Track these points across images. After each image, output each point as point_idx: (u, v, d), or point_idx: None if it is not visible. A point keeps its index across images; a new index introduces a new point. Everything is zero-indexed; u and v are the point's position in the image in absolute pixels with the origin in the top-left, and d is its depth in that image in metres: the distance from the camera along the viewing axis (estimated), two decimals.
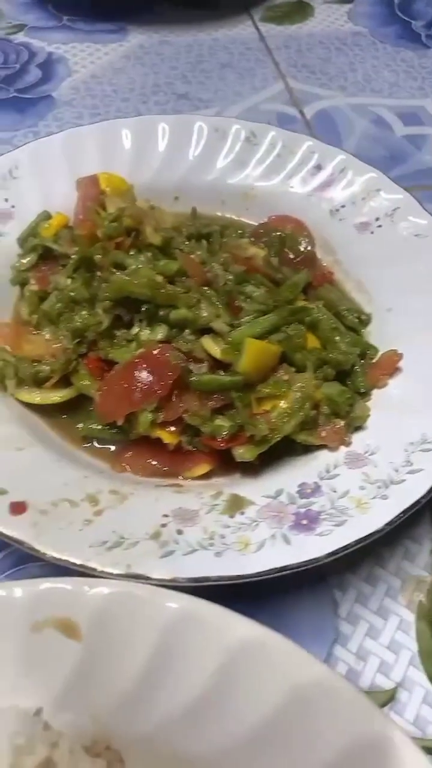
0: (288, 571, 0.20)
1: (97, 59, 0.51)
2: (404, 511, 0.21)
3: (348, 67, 0.51)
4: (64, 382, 0.28)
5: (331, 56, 0.53)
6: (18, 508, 0.21)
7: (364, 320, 0.30)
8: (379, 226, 0.32)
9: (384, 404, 0.26)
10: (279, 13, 0.57)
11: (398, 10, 0.58)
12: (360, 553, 0.26)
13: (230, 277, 0.30)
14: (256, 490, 0.24)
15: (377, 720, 0.17)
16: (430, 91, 0.50)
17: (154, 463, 0.26)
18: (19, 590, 0.21)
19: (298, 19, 0.57)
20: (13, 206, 0.32)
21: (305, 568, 0.20)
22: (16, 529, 0.20)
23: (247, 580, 0.20)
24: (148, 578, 0.20)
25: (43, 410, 0.27)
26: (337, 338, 0.28)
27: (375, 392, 0.27)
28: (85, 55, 0.52)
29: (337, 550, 0.20)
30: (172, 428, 0.26)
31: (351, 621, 0.25)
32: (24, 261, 0.31)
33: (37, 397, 0.27)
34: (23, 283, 0.31)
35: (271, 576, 0.21)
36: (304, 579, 0.25)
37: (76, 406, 0.27)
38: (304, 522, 0.22)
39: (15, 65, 0.50)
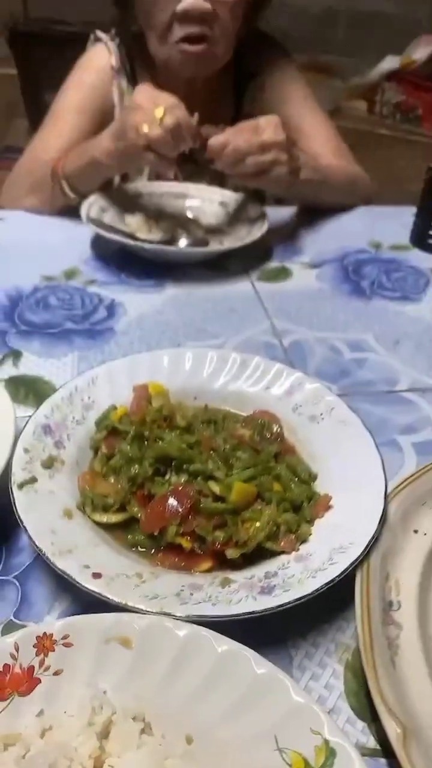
0: (254, 615, 0.34)
1: (145, 304, 0.69)
2: (324, 585, 0.35)
3: (314, 312, 0.70)
4: (121, 509, 0.42)
5: (303, 304, 0.71)
6: (96, 575, 0.35)
7: (312, 476, 0.45)
8: (323, 417, 0.49)
9: (320, 527, 0.40)
10: (269, 275, 0.78)
11: (351, 273, 0.79)
12: (308, 627, 0.37)
13: (228, 446, 0.46)
14: (239, 575, 0.38)
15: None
16: (370, 328, 0.67)
17: (176, 560, 0.39)
18: (98, 619, 0.34)
19: (282, 279, 0.77)
20: (93, 401, 0.48)
21: (264, 614, 0.34)
22: (96, 586, 0.34)
23: (230, 618, 0.33)
24: (172, 615, 0.34)
25: (107, 526, 0.40)
26: (293, 486, 0.43)
27: (316, 520, 0.42)
28: (136, 302, 0.70)
29: (283, 604, 0.34)
30: (188, 537, 0.39)
31: (300, 670, 0.36)
32: (98, 435, 0.46)
33: (104, 518, 0.40)
34: (97, 449, 0.46)
35: (244, 617, 0.34)
36: (269, 642, 0.36)
37: (128, 524, 0.41)
38: (266, 590, 0.35)
39: (89, 307, 0.68)
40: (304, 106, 1.02)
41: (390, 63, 2.62)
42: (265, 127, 0.72)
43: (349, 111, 2.56)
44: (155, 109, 0.69)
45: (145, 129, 0.69)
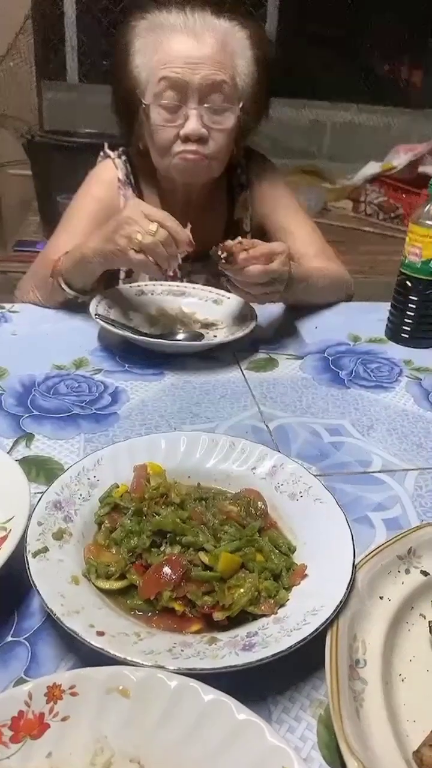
0: (236, 668, 0.38)
1: (145, 391, 0.77)
2: (297, 642, 0.40)
3: (297, 399, 0.77)
4: (122, 576, 0.47)
5: (287, 391, 0.79)
6: (100, 633, 0.41)
7: (291, 548, 0.51)
8: (301, 495, 0.55)
9: (297, 593, 0.46)
10: (257, 365, 0.85)
11: (331, 364, 0.87)
12: (286, 685, 0.41)
13: (217, 521, 0.52)
14: (224, 635, 0.43)
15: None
16: (347, 414, 0.74)
17: (169, 622, 0.44)
18: (101, 671, 0.39)
19: (269, 368, 0.85)
20: (98, 480, 0.53)
21: (245, 668, 0.39)
22: (100, 643, 0.39)
23: (216, 671, 0.38)
24: (165, 668, 0.39)
25: (109, 592, 0.45)
26: (274, 557, 0.49)
27: (293, 587, 0.47)
28: (138, 389, 0.77)
29: (261, 659, 0.39)
30: (180, 602, 0.44)
31: (278, 722, 0.40)
32: (102, 511, 0.51)
33: (106, 584, 0.45)
34: (101, 523, 0.51)
35: (227, 670, 0.39)
36: (251, 698, 0.40)
37: (128, 590, 0.45)
38: (247, 647, 0.40)
39: (95, 394, 0.75)
40: (290, 213, 1.15)
41: (372, 168, 2.88)
42: (278, 257, 0.83)
43: (336, 210, 2.78)
44: (149, 225, 0.80)
45: (139, 238, 0.79)
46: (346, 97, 3.17)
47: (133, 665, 0.38)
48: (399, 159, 2.76)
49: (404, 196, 2.68)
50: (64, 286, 0.94)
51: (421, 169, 2.73)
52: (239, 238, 0.83)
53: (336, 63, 3.29)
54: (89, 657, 0.39)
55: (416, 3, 3.15)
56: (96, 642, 0.39)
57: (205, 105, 0.93)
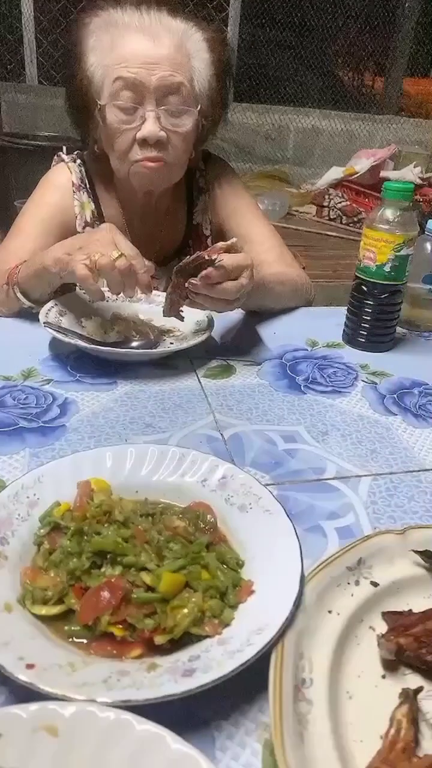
0: (174, 697, 0.37)
1: (97, 402, 0.74)
2: (239, 666, 0.38)
3: (253, 406, 0.76)
4: (60, 601, 0.45)
5: (244, 398, 0.77)
6: (30, 666, 0.38)
7: (240, 563, 0.49)
8: (251, 507, 0.53)
9: (243, 611, 0.44)
10: (214, 372, 0.84)
11: (288, 369, 0.86)
12: (231, 708, 0.39)
13: (162, 538, 0.50)
14: (166, 659, 0.41)
15: None
16: (302, 420, 0.73)
17: (109, 648, 0.42)
18: (27, 708, 0.36)
19: (226, 376, 0.83)
20: (38, 498, 0.51)
21: (184, 696, 0.37)
22: (28, 677, 0.37)
23: (152, 702, 0.36)
24: (96, 701, 0.36)
25: (47, 618, 0.43)
26: (220, 573, 0.47)
27: (240, 605, 0.46)
28: (89, 399, 0.74)
29: (200, 685, 0.37)
30: (120, 626, 0.42)
31: (222, 750, 0.38)
32: (42, 531, 0.49)
33: (42, 610, 0.43)
34: (40, 544, 0.48)
35: (165, 700, 0.37)
36: (194, 724, 0.38)
37: (66, 615, 0.43)
38: (188, 673, 0.38)
39: (43, 405, 0.72)
40: (249, 217, 1.14)
41: (335, 173, 2.91)
42: (246, 271, 0.80)
43: (300, 215, 2.80)
44: (114, 252, 0.78)
45: (96, 257, 0.77)
46: (309, 103, 3.20)
47: (65, 700, 0.36)
48: (361, 164, 2.80)
49: (366, 200, 2.71)
50: (19, 295, 0.91)
51: (383, 173, 2.77)
52: (233, 239, 0.81)
53: (299, 68, 3.32)
54: (23, 690, 0.37)
55: (379, 10, 3.19)
56: (24, 676, 0.37)
57: (163, 107, 0.91)
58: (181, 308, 0.83)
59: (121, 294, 0.82)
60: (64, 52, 1.02)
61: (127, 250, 0.80)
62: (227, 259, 0.78)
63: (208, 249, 0.80)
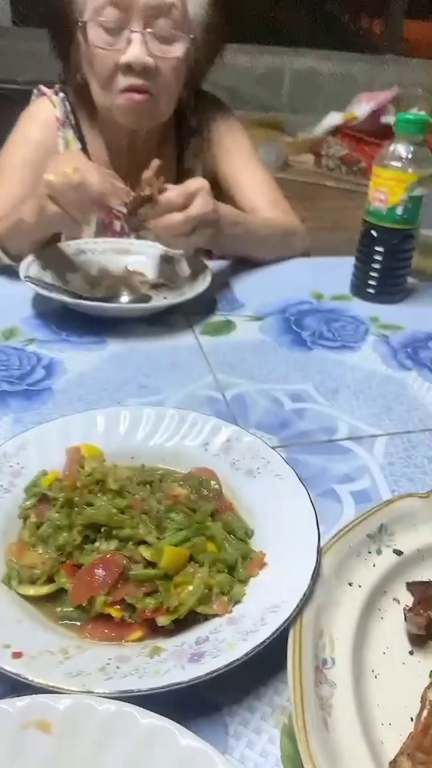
0: (182, 685, 0.33)
1: (85, 362, 0.68)
2: (254, 648, 0.34)
3: (256, 364, 0.70)
4: (50, 580, 0.40)
5: (246, 356, 0.72)
6: (17, 655, 0.34)
7: (249, 533, 0.45)
8: (259, 472, 0.48)
9: (254, 586, 0.40)
10: (212, 328, 0.78)
11: (293, 324, 0.81)
12: (244, 692, 0.36)
13: (162, 507, 0.45)
14: (170, 642, 0.36)
15: None
16: (310, 378, 0.68)
17: (105, 631, 0.38)
18: (14, 702, 0.32)
19: (225, 332, 0.78)
20: (22, 467, 0.46)
21: (191, 683, 0.33)
22: (14, 667, 0.33)
23: (156, 691, 0.32)
24: (93, 693, 0.32)
25: (35, 599, 0.39)
26: (227, 545, 0.43)
27: (251, 579, 0.41)
28: (77, 360, 0.69)
29: (211, 671, 0.33)
30: (118, 606, 0.38)
31: (236, 737, 0.34)
32: (27, 503, 0.44)
33: (30, 590, 0.39)
34: (26, 517, 0.44)
35: (170, 689, 0.33)
36: (204, 711, 0.35)
37: (57, 595, 0.39)
38: (196, 658, 0.34)
39: (27, 367, 0.67)
40: (242, 161, 1.06)
41: (333, 119, 2.78)
42: (197, 197, 0.74)
43: (297, 165, 2.68)
44: (67, 168, 0.71)
45: (51, 178, 0.70)
46: (305, 44, 3.04)
47: (57, 692, 0.31)
48: (361, 108, 2.67)
49: (366, 148, 2.59)
50: (1, 253, 0.84)
51: (384, 119, 2.64)
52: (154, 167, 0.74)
53: (294, 7, 3.14)
54: (8, 684, 0.33)
55: None
56: (10, 666, 0.32)
57: (150, 30, 0.83)
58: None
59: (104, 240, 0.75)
60: None
61: (85, 164, 0.73)
62: (170, 191, 0.72)
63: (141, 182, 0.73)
